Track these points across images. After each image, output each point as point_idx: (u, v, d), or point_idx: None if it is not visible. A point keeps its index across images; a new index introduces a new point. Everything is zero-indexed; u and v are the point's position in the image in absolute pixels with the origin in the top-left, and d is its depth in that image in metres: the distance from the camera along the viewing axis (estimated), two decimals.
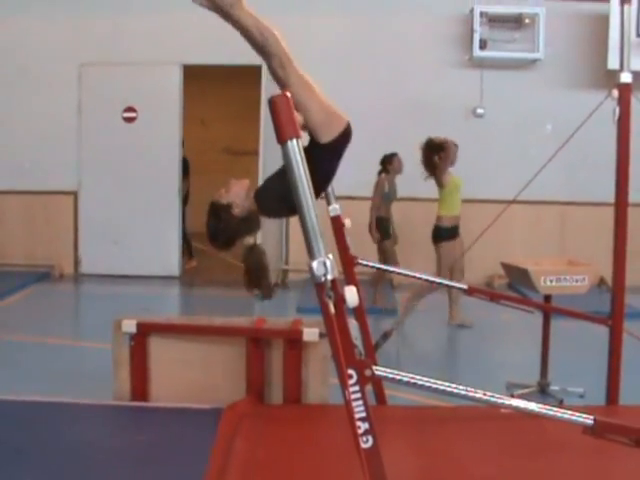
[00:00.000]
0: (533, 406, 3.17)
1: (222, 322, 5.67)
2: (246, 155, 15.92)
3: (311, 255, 2.76)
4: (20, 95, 12.17)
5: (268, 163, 10.75)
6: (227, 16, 4.00)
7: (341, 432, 3.33)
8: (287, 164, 2.78)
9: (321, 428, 5.12)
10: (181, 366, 5.57)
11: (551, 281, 6.29)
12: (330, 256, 2.76)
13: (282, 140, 2.76)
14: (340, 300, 2.80)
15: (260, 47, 3.95)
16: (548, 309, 6.42)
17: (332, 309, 2.78)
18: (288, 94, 2.82)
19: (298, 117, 3.01)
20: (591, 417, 3.04)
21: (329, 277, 2.75)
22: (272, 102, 2.77)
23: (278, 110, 2.76)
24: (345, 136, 4.08)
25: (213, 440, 4.64)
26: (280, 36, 3.93)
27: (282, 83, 3.97)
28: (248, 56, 11.79)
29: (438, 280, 5.88)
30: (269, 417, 5.28)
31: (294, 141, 2.76)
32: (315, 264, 2.74)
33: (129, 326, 5.53)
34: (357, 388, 2.86)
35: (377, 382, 5.19)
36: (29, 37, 12.16)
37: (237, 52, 11.68)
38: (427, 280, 5.87)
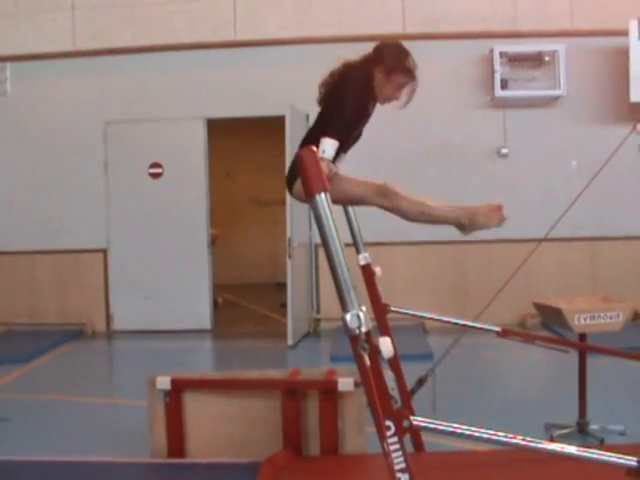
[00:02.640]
0: (573, 450, 3.14)
1: (257, 375, 5.65)
2: (273, 205, 15.99)
3: (344, 308, 2.76)
4: (47, 155, 12.31)
5: (295, 212, 10.78)
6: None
7: None
8: (316, 218, 2.79)
9: (360, 479, 5.07)
10: (217, 421, 5.55)
11: (585, 319, 6.22)
12: (363, 308, 2.76)
13: (310, 194, 2.77)
14: (375, 352, 2.79)
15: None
16: (583, 348, 6.36)
17: (367, 361, 2.77)
18: (314, 148, 2.84)
19: (325, 168, 3.05)
20: (634, 459, 2.99)
21: (363, 329, 2.74)
22: (299, 157, 2.78)
23: (305, 165, 2.77)
24: None
25: None
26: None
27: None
28: (270, 107, 11.98)
29: (471, 324, 5.84)
30: (307, 469, 5.24)
31: (322, 195, 2.77)
32: (348, 317, 2.74)
33: (163, 383, 5.51)
34: (395, 439, 2.84)
35: (413, 430, 5.16)
36: (54, 97, 12.32)
37: (260, 104, 11.97)
38: (460, 324, 5.83)
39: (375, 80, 4.84)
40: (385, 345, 2.79)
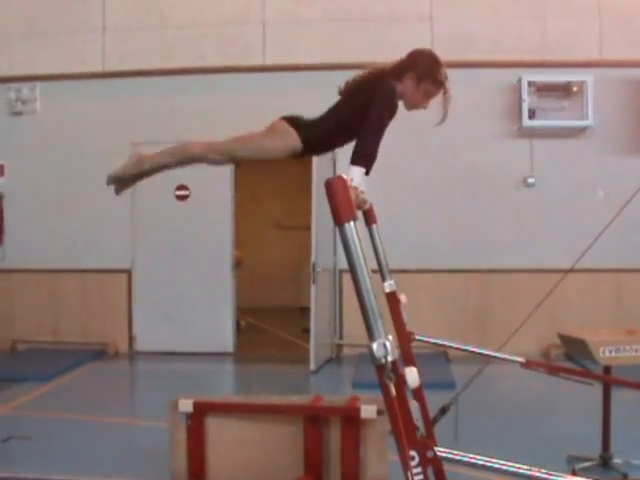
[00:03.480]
0: None
1: (279, 400, 5.63)
2: (297, 229, 15.96)
3: (371, 337, 2.75)
4: (74, 174, 12.38)
5: (320, 237, 10.79)
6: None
7: None
8: (344, 246, 2.78)
9: None
10: (238, 445, 5.53)
11: (610, 352, 6.18)
12: (390, 337, 2.75)
13: (339, 223, 2.77)
14: (401, 381, 2.77)
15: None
16: (608, 380, 6.31)
17: (393, 391, 2.76)
18: (344, 176, 2.84)
19: (354, 196, 3.04)
20: None
21: (389, 359, 2.73)
22: (328, 185, 2.78)
23: (334, 193, 2.77)
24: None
25: None
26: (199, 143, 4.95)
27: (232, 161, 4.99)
28: None
29: (494, 354, 5.80)
30: None
31: (351, 224, 2.77)
32: (375, 346, 2.73)
33: (186, 406, 5.50)
34: (419, 470, 2.83)
35: (437, 460, 5.12)
36: (82, 117, 12.41)
37: None
38: (484, 354, 5.80)
39: (404, 87, 4.82)
40: (411, 375, 2.78)
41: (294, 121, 4.88)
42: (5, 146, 12.63)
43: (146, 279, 12.31)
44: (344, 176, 2.85)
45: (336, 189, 2.78)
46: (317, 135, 4.79)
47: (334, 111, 4.86)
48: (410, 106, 4.95)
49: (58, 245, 12.42)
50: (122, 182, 5.04)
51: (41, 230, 12.47)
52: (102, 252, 12.36)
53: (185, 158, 4.99)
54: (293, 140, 4.78)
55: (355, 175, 4.33)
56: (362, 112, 4.61)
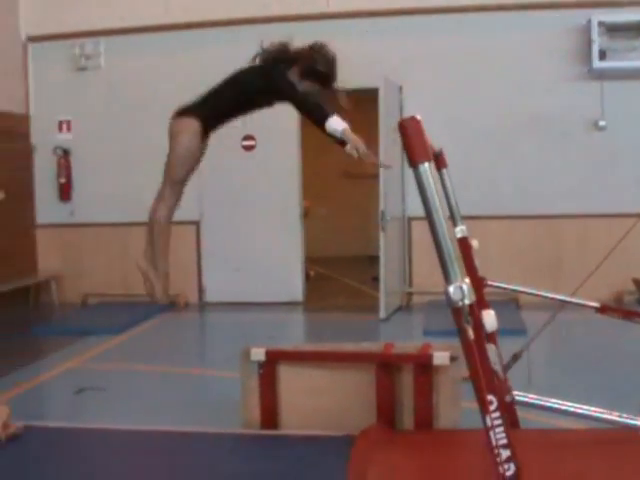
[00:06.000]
0: None
1: (351, 348, 5.63)
2: (364, 178, 15.83)
3: (447, 280, 2.70)
4: (139, 128, 12.38)
5: (389, 185, 10.71)
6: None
7: (476, 458, 3.22)
8: (419, 188, 2.73)
9: (455, 454, 5.00)
10: (310, 393, 5.55)
11: None
12: (467, 280, 2.70)
13: (414, 164, 2.72)
14: (478, 325, 2.73)
15: None
16: None
17: (471, 335, 2.71)
18: (418, 117, 2.78)
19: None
20: None
21: (466, 302, 2.68)
22: (402, 126, 2.73)
23: (409, 134, 2.71)
24: None
25: (345, 468, 4.58)
26: None
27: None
28: (365, 80, 11.80)
29: (569, 299, 5.71)
30: (401, 443, 5.19)
31: (425, 164, 2.70)
32: (452, 289, 2.68)
33: (258, 354, 5.53)
34: (498, 414, 2.78)
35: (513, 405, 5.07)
36: (147, 70, 12.40)
37: (353, 76, 11.78)
38: (559, 300, 5.71)
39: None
40: (489, 318, 2.74)
41: (183, 111, 5.42)
42: (71, 102, 12.72)
43: (214, 230, 12.34)
44: (417, 117, 2.79)
45: (410, 130, 2.73)
46: (213, 110, 4.98)
47: (232, 85, 5.04)
48: None
49: (125, 199, 12.45)
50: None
51: (108, 184, 12.55)
52: None
53: (157, 229, 5.22)
54: (192, 127, 5.32)
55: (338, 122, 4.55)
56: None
